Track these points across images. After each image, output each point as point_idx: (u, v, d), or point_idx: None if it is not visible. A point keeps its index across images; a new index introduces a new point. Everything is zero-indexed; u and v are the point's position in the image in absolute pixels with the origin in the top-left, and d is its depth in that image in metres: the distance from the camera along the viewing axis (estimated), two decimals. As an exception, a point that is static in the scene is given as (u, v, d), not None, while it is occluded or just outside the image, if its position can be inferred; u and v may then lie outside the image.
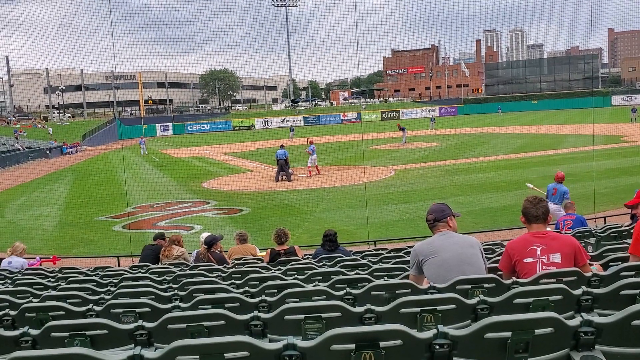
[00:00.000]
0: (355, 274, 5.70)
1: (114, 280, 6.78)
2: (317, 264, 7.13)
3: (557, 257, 4.25)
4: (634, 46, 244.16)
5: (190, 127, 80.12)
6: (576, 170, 20.78)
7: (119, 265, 11.95)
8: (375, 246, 12.62)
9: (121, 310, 4.16)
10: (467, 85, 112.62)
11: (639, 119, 48.97)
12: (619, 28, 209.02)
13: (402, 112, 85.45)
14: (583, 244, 8.00)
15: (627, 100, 77.57)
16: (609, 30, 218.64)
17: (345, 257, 7.68)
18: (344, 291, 4.28)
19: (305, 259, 8.21)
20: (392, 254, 8.19)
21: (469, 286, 4.08)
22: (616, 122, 45.52)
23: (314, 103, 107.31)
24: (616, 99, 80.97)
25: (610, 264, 5.18)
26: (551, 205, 12.82)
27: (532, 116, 69.95)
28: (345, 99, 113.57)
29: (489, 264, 4.96)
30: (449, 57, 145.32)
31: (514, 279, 4.23)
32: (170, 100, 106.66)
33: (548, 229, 4.68)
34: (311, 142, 26.87)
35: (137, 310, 4.15)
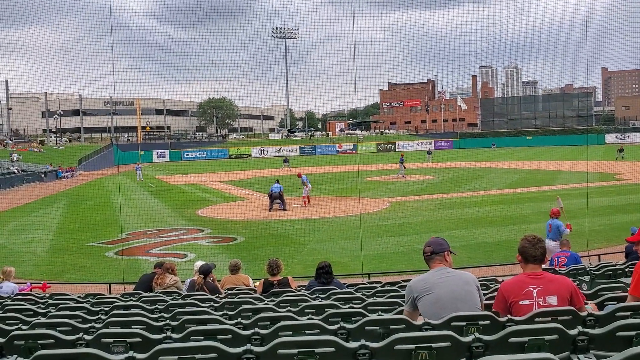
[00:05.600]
0: (349, 307, 5.65)
1: (105, 308, 6.69)
2: (311, 296, 7.06)
3: (553, 300, 4.21)
4: (627, 85, 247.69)
5: (187, 155, 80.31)
6: (570, 206, 20.64)
7: (110, 293, 11.82)
8: (370, 279, 12.54)
9: (112, 340, 4.10)
10: (463, 119, 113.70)
11: (628, 157, 49.56)
12: (612, 67, 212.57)
13: (398, 145, 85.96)
14: (577, 282, 7.98)
15: (621, 139, 78.34)
16: (602, 69, 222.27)
17: (339, 290, 7.62)
18: (338, 325, 4.23)
19: (298, 291, 8.14)
20: (386, 288, 8.13)
21: (464, 323, 4.04)
22: (609, 159, 45.88)
23: (310, 133, 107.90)
24: (610, 137, 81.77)
25: (606, 303, 5.16)
26: (550, 242, 12.82)
27: (526, 152, 70.49)
28: (341, 130, 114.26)
29: (485, 300, 4.93)
30: (445, 92, 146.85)
31: (509, 316, 4.20)
32: (168, 127, 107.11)
33: (543, 265, 4.65)
34: (299, 175, 27.43)
35: (128, 340, 4.08)
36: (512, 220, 20.74)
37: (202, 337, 4.03)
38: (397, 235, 18.96)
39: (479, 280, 7.88)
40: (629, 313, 4.17)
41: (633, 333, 3.45)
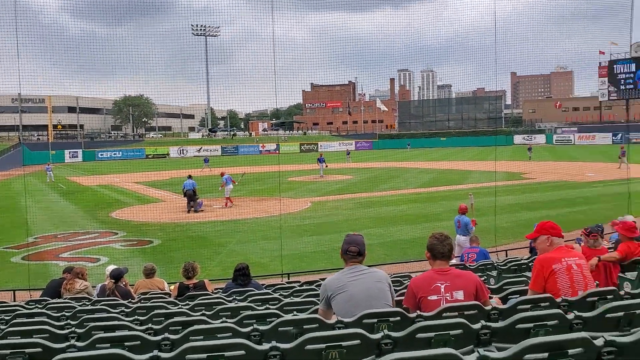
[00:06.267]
0: (265, 308, 5.62)
1: (6, 317, 6.29)
2: (227, 299, 6.98)
3: (460, 295, 4.37)
4: (534, 89, 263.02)
5: (101, 154, 77.02)
6: (479, 204, 21.61)
7: (14, 300, 11.15)
8: (289, 279, 12.56)
9: (8, 352, 3.85)
10: (382, 121, 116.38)
11: (534, 157, 52.66)
12: (520, 72, 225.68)
13: (320, 145, 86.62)
14: (485, 277, 8.35)
15: (528, 140, 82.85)
16: (511, 74, 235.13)
17: (257, 291, 7.57)
18: (251, 327, 4.19)
19: (215, 293, 8.02)
20: (304, 287, 8.17)
21: (375, 320, 4.11)
22: (517, 159, 48.40)
23: (232, 133, 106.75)
24: (518, 138, 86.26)
25: (510, 297, 5.42)
26: (461, 238, 13.57)
27: (440, 152, 73.00)
28: (264, 130, 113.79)
29: (396, 296, 5.04)
30: (364, 94, 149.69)
31: (419, 312, 4.31)
32: (81, 126, 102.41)
33: (454, 260, 4.82)
34: (222, 174, 26.94)
35: (27, 350, 3.84)
36: (426, 218, 21.44)
37: (109, 345, 3.87)
38: (317, 235, 19.11)
39: (394, 277, 8.10)
40: (528, 306, 4.40)
41: (531, 325, 3.64)
